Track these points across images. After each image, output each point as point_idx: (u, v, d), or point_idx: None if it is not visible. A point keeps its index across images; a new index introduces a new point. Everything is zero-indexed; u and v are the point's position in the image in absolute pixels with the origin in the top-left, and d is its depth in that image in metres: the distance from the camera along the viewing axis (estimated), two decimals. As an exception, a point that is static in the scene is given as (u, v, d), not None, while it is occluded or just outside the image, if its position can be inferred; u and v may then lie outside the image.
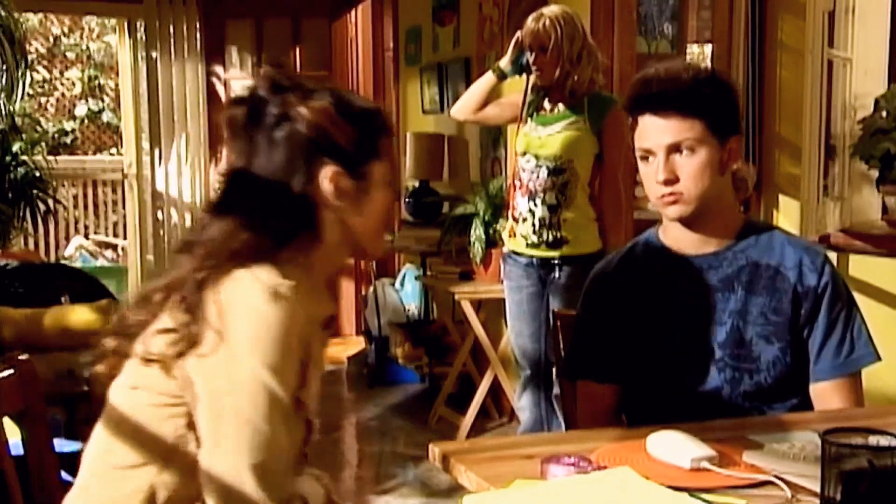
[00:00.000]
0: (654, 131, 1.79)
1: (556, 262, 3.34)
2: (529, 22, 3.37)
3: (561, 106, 3.37)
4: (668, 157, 1.78)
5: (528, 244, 3.39)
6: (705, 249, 1.86)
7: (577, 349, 2.00)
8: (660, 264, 1.89)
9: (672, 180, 1.79)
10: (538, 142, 3.37)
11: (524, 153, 3.40)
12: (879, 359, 1.86)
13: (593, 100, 3.35)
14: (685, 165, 1.78)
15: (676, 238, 1.88)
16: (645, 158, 1.82)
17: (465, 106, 3.64)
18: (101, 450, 1.47)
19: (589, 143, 3.33)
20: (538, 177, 3.34)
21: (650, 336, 1.87)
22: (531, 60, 3.36)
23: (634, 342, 1.89)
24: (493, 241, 4.29)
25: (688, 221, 1.84)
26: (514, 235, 3.44)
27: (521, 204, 3.40)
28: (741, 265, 1.84)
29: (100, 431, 1.48)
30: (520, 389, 3.59)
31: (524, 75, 3.46)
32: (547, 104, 3.41)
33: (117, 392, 1.47)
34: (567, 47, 3.31)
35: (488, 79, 3.55)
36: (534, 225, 3.35)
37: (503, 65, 3.49)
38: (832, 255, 3.13)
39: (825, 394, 1.83)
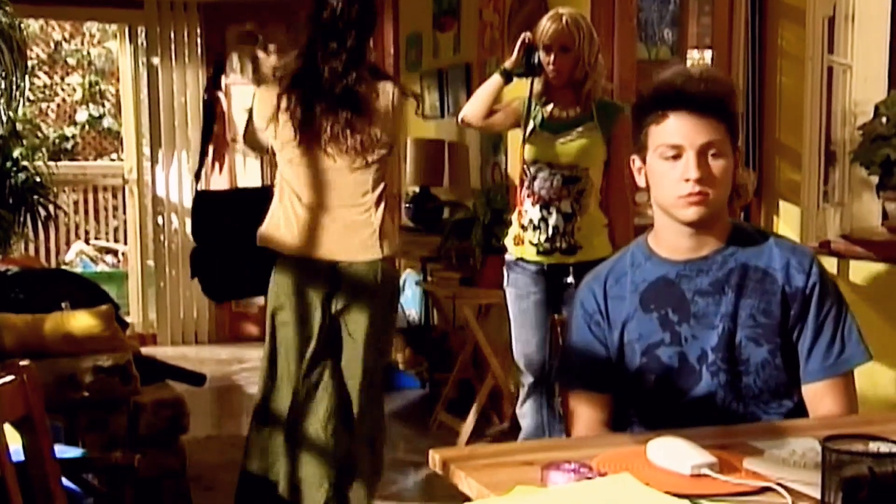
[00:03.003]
0: (690, 129, 1.77)
1: (569, 268, 3.31)
2: (547, 22, 3.30)
3: (572, 112, 3.34)
4: (698, 157, 1.77)
5: (539, 252, 3.35)
6: (696, 254, 1.85)
7: (570, 359, 1.99)
8: (651, 271, 1.89)
9: (705, 179, 1.77)
10: (552, 149, 3.31)
11: (535, 161, 3.35)
12: (871, 357, 1.85)
13: (602, 106, 3.34)
14: (714, 168, 1.78)
15: (670, 244, 1.87)
16: (669, 157, 1.79)
17: (474, 112, 3.47)
18: None
19: (601, 150, 3.32)
20: (552, 185, 3.31)
21: (642, 343, 1.87)
22: (551, 61, 3.29)
23: (626, 350, 1.88)
24: (493, 247, 4.28)
25: (698, 224, 1.82)
26: (522, 243, 3.38)
27: (531, 212, 3.35)
28: (731, 268, 1.84)
29: None
30: (522, 397, 3.57)
31: (528, 79, 3.37)
32: (555, 109, 3.36)
33: None
34: (587, 49, 3.29)
35: (495, 81, 3.43)
36: (547, 233, 3.32)
37: (509, 66, 3.39)
38: (833, 261, 3.13)
39: (817, 395, 1.82)
